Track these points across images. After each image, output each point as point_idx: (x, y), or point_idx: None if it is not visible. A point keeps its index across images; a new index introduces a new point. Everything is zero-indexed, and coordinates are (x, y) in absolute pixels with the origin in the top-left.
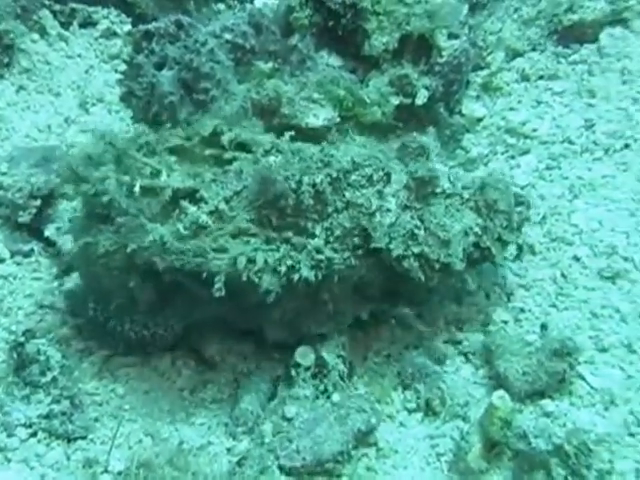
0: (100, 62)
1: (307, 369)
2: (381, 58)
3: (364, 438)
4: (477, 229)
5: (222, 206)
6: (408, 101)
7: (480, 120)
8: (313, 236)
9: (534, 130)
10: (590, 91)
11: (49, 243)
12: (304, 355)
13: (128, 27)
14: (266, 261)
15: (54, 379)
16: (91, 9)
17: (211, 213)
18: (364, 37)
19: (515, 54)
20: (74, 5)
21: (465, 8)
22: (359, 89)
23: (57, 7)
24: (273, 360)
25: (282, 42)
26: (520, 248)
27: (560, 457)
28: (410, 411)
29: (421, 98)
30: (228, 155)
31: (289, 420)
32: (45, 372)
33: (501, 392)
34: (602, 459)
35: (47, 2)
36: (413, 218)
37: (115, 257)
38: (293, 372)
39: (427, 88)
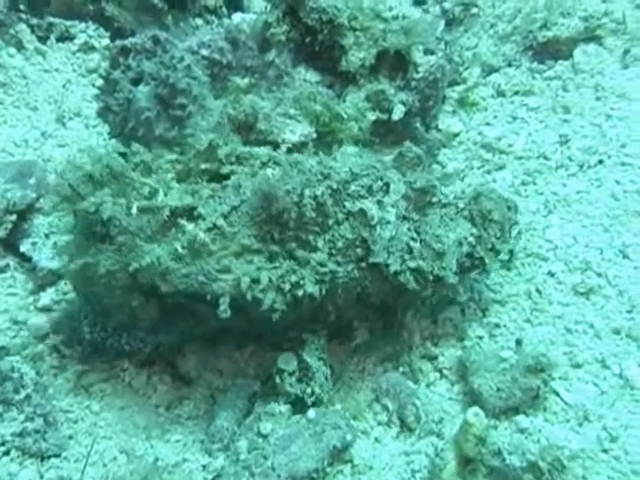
0: (78, 76)
1: (291, 374)
2: (358, 74)
3: (339, 455)
4: (471, 239)
5: (220, 222)
6: (385, 116)
7: (456, 135)
8: (316, 249)
9: (510, 145)
10: (565, 107)
11: (24, 258)
12: (287, 361)
13: (106, 41)
14: (270, 280)
15: (28, 397)
16: (69, 23)
17: (209, 230)
18: (341, 53)
19: (491, 70)
20: (51, 19)
21: (441, 24)
22: (336, 104)
23: (34, 21)
24: (249, 376)
25: (259, 58)
26: (511, 252)
27: (534, 473)
28: (385, 427)
29: (397, 113)
30: (225, 169)
31: (264, 437)
32: (19, 389)
33: (475, 409)
34: (576, 475)
35: (24, 16)
36: (410, 230)
37: (117, 276)
38: (277, 379)
39: (403, 103)
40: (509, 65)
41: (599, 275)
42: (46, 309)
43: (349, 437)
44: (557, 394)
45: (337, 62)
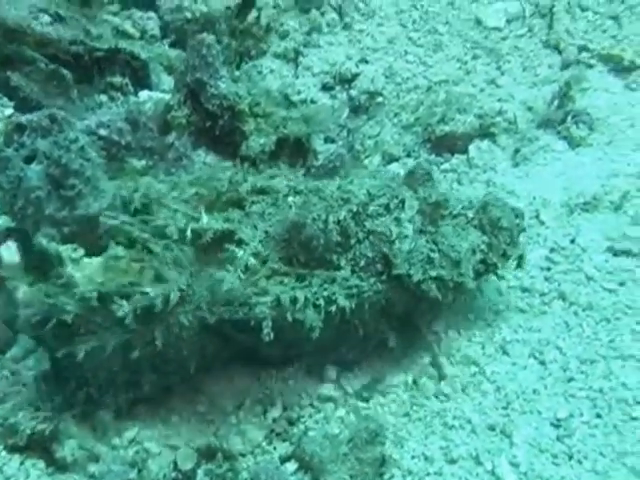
0: None
1: None
2: (258, 159)
3: None
4: (483, 246)
5: (259, 248)
6: None
7: None
8: (339, 268)
9: None
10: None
11: None
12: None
13: (10, 111)
14: (306, 297)
15: None
16: None
17: (254, 255)
18: (242, 138)
19: (391, 159)
20: None
21: (345, 111)
22: None
23: None
24: (126, 463)
25: (159, 139)
26: (521, 257)
27: None
28: None
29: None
30: (247, 202)
31: None
32: None
33: None
34: None
35: None
36: (428, 242)
37: (193, 324)
38: None
39: None
40: (408, 155)
41: (478, 370)
42: None
43: None
44: None
45: (238, 147)
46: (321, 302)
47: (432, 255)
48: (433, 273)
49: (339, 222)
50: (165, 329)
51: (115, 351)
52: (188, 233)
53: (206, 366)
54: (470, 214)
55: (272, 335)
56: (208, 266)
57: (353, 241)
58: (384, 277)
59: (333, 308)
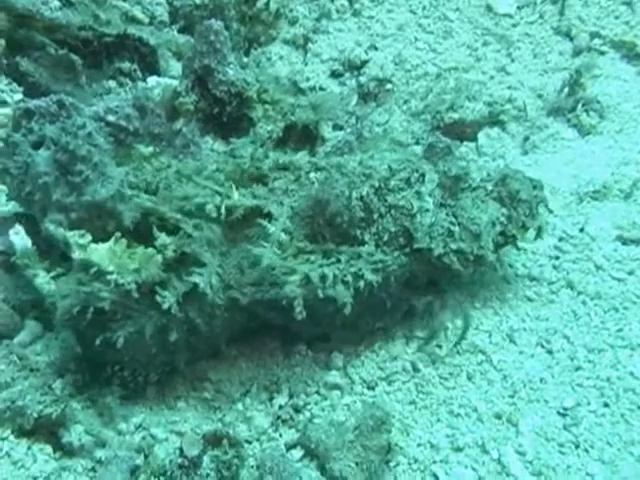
0: None
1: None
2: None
3: None
4: (503, 219)
5: (288, 223)
6: None
7: None
8: (363, 243)
9: None
10: None
11: None
12: (190, 444)
13: (19, 96)
14: (335, 274)
15: None
16: None
17: (284, 231)
18: (249, 125)
19: (400, 146)
20: None
21: (354, 98)
22: None
23: None
24: (132, 449)
25: (167, 126)
26: (540, 229)
27: None
28: None
29: None
30: (269, 179)
31: None
32: None
33: None
34: None
35: None
36: (448, 215)
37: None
38: None
39: None
40: (417, 143)
41: (485, 358)
42: None
43: None
44: (436, 477)
45: (245, 133)
46: (349, 278)
47: (452, 228)
48: (454, 246)
49: (362, 198)
50: (199, 309)
51: (153, 334)
52: (222, 210)
53: (235, 339)
54: (489, 187)
55: (304, 313)
56: (235, 243)
57: (376, 216)
58: (407, 250)
59: (361, 283)
